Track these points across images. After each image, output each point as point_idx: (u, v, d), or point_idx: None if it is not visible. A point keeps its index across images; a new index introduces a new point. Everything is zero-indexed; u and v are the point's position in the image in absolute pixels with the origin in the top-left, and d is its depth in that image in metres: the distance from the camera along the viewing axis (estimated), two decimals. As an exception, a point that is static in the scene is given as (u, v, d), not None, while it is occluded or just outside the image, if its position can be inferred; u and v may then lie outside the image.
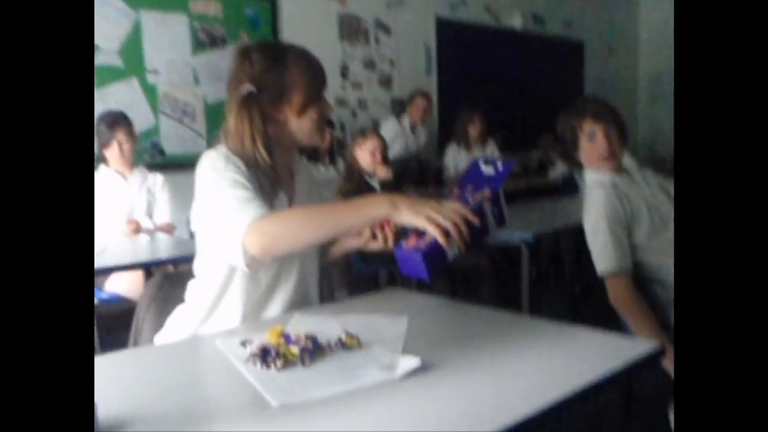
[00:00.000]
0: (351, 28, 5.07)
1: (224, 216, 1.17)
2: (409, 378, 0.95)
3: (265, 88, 1.31)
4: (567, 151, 2.11)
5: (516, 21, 6.29)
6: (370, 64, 5.22)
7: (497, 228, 1.18)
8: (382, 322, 1.24)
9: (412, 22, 5.47)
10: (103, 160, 3.04)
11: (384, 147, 3.48)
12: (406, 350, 1.07)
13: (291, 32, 4.62)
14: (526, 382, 0.95)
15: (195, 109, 4.24)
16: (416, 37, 5.53)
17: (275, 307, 1.38)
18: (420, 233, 1.12)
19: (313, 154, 4.47)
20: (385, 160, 3.46)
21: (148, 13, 3.95)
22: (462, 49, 5.86)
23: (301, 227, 1.15)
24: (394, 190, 3.51)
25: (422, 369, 0.97)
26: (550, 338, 1.15)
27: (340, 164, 4.22)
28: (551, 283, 4.02)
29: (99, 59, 3.71)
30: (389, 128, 4.79)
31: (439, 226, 1.06)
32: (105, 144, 2.99)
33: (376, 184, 3.46)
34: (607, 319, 1.97)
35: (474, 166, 1.27)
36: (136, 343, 1.44)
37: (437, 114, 5.65)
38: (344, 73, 5.04)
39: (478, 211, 1.12)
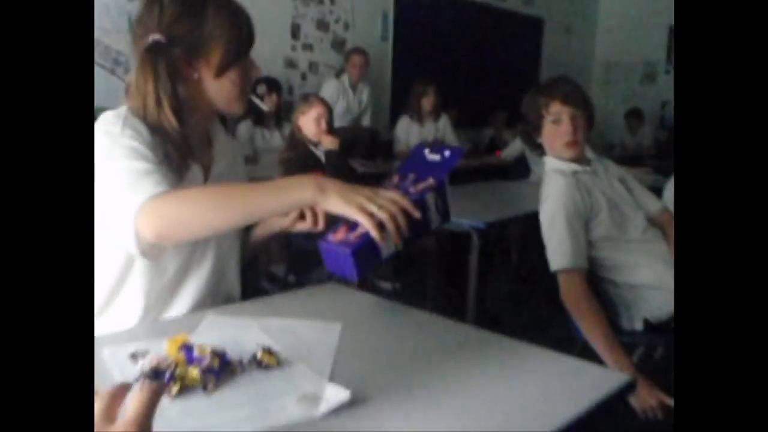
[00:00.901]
0: (305, -15, 4.76)
1: (115, 192, 0.95)
2: (335, 415, 0.76)
3: (176, 39, 1.08)
4: (528, 132, 1.96)
5: (477, -8, 6.09)
6: (323, 25, 4.93)
7: (441, 223, 1.00)
8: (310, 331, 1.04)
9: (371, -16, 5.20)
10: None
11: (329, 114, 3.26)
12: (336, 372, 0.88)
13: (239, -16, 4.29)
14: (476, 419, 0.78)
15: (129, 59, 3.90)
16: (374, 1, 5.26)
17: (185, 298, 1.17)
18: (351, 225, 0.93)
19: (258, 118, 4.19)
20: (331, 128, 3.25)
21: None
22: (420, 18, 5.63)
23: (207, 210, 0.94)
24: (341, 161, 3.31)
25: (352, 403, 0.78)
26: (507, 360, 0.98)
27: (287, 130, 3.97)
28: (497, 268, 3.92)
29: None
30: (330, 88, 4.57)
31: (373, 217, 0.89)
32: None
33: (320, 154, 3.24)
34: (550, 309, 1.97)
35: (417, 152, 1.08)
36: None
37: (390, 83, 5.42)
38: (295, 33, 4.74)
39: (420, 202, 0.94)
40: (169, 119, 1.06)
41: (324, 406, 0.76)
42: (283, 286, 3.45)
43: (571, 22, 7.54)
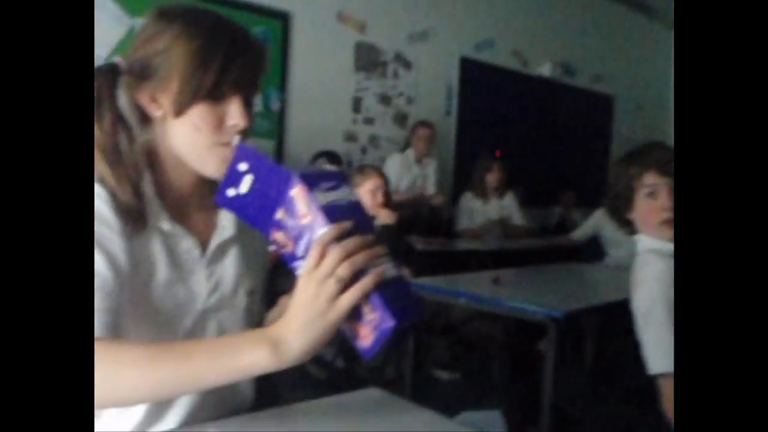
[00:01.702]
0: (368, 59, 4.69)
1: None
2: None
3: (135, 63, 0.84)
4: (616, 207, 1.68)
5: (545, 69, 5.93)
6: (385, 99, 4.83)
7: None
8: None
9: (435, 59, 5.10)
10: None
11: (386, 186, 3.07)
12: None
13: (301, 55, 4.26)
14: None
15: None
16: (437, 75, 5.16)
17: (176, 407, 0.91)
18: (355, 316, 0.68)
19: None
20: (388, 201, 3.04)
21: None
22: (485, 92, 5.48)
23: (138, 378, 0.68)
24: (396, 238, 3.08)
25: None
26: None
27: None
28: (568, 362, 3.54)
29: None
30: (394, 162, 4.38)
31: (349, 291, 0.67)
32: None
33: (377, 228, 3.03)
34: (632, 410, 1.69)
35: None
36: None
37: (453, 160, 5.24)
38: (356, 106, 4.65)
39: (331, 211, 0.68)
40: (99, 168, 0.81)
41: None
42: (330, 371, 3.19)
43: (643, 100, 7.27)
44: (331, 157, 4.11)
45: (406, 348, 2.57)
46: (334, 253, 0.66)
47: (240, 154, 0.74)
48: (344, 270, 0.66)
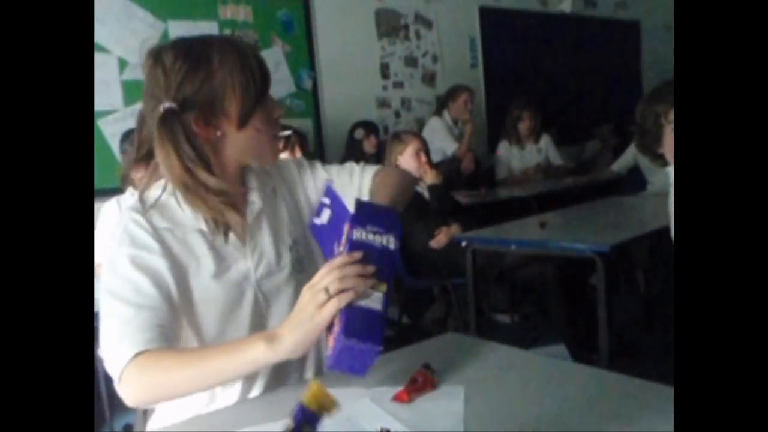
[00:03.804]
0: (389, 25, 4.78)
1: (105, 332, 0.94)
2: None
3: (188, 101, 0.97)
4: (647, 143, 1.78)
5: (565, 5, 5.88)
6: (411, 62, 4.92)
7: (396, 240, 0.84)
8: (430, 400, 0.94)
9: (454, 14, 5.14)
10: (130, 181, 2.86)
11: (426, 147, 3.19)
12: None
13: (326, 33, 4.37)
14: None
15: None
16: (459, 30, 5.20)
17: (260, 381, 1.09)
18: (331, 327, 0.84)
19: (359, 162, 4.17)
20: (430, 162, 3.17)
21: (176, 22, 3.76)
22: (508, 39, 5.50)
23: (179, 376, 0.90)
24: (445, 195, 3.22)
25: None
26: None
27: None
28: (621, 292, 3.66)
29: (127, 74, 3.54)
30: (439, 127, 4.45)
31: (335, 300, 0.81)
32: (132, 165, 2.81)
33: (422, 190, 3.17)
34: None
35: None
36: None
37: (485, 110, 5.31)
38: (385, 72, 4.76)
39: (354, 245, 0.82)
40: (205, 179, 0.98)
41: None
42: (398, 329, 3.39)
43: (671, 19, 7.11)
44: (368, 126, 4.24)
45: (467, 297, 2.74)
46: (331, 271, 0.81)
47: (327, 191, 0.93)
48: (333, 285, 0.80)
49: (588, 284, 3.02)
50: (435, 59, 5.05)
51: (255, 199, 1.11)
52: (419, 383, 0.95)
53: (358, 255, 0.81)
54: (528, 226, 2.79)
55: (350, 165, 1.24)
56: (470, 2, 5.25)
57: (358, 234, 0.81)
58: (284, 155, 2.99)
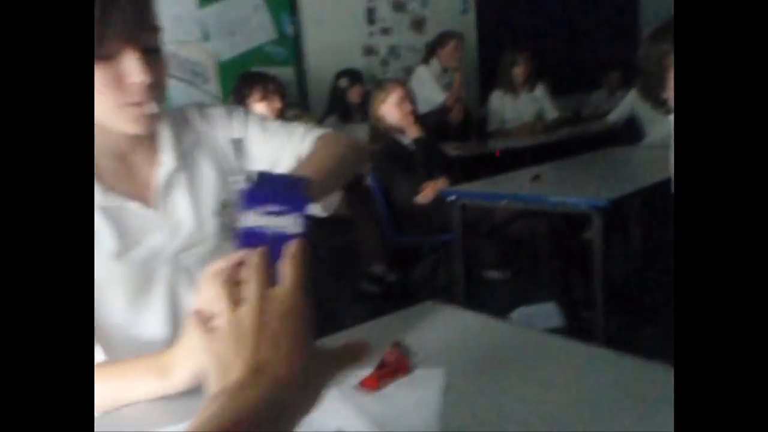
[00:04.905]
0: (376, -34, 4.52)
1: None
2: None
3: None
4: (649, 87, 1.63)
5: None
6: (399, 6, 4.67)
7: (299, 217, 0.62)
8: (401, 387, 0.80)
9: (445, -45, 4.88)
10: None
11: (410, 95, 3.02)
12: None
13: (308, -26, 4.13)
14: None
15: (207, 68, 3.85)
16: (450, -28, 4.94)
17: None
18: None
19: (344, 114, 4.00)
20: (414, 112, 3.01)
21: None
22: (502, -18, 5.24)
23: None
24: (431, 148, 3.06)
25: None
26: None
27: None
28: (615, 247, 3.54)
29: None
30: (425, 76, 4.24)
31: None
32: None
33: (408, 142, 3.01)
34: None
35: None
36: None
37: (476, 57, 5.09)
38: (371, 17, 4.52)
39: (245, 237, 0.60)
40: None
41: None
42: (383, 286, 3.29)
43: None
44: (352, 75, 4.04)
45: (455, 253, 2.62)
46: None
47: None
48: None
49: (580, 240, 2.90)
50: (425, 3, 4.80)
51: (166, 159, 0.91)
52: (390, 366, 0.81)
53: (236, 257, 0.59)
54: (520, 180, 2.65)
55: (294, 126, 1.03)
56: (462, -58, 4.98)
57: (249, 219, 0.61)
58: (261, 107, 2.82)
